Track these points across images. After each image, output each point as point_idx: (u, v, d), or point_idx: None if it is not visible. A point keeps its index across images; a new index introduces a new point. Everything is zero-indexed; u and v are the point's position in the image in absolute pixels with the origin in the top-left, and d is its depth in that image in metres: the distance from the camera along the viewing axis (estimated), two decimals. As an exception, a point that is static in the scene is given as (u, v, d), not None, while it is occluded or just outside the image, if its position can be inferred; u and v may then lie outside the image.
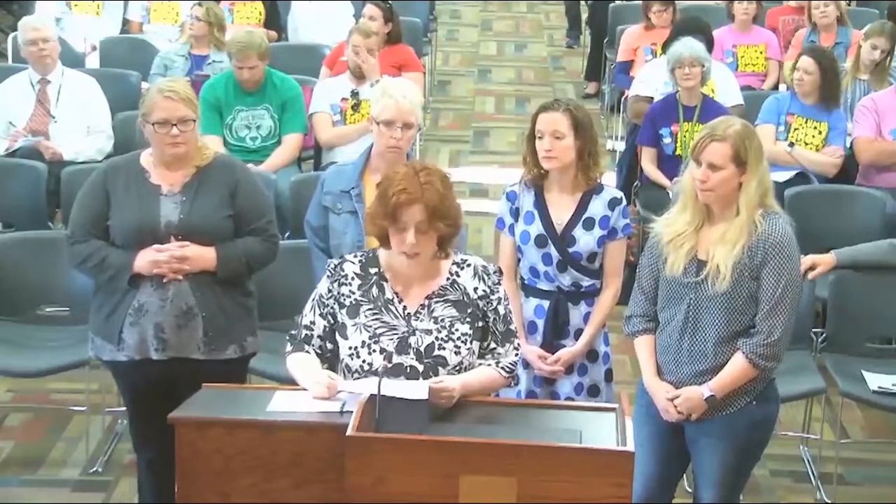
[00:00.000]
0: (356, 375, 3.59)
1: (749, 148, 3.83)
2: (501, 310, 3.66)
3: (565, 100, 4.44)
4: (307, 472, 3.35)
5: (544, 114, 4.32)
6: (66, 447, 5.39)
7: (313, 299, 3.69)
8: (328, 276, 3.67)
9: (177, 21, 8.70)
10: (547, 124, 4.29)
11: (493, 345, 3.66)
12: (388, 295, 3.62)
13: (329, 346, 3.66)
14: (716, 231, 3.88)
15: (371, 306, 3.61)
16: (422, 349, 3.57)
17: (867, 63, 7.17)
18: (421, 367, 3.55)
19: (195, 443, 3.37)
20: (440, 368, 3.56)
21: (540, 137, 4.31)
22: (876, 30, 7.23)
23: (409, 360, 3.56)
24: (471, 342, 3.61)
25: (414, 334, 3.58)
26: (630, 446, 3.19)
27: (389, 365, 3.52)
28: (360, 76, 6.76)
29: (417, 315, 3.60)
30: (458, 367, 3.58)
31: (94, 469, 5.18)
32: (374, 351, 3.57)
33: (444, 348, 3.57)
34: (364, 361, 3.57)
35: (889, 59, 7.21)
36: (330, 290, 3.65)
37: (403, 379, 3.52)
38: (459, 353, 3.58)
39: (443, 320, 3.60)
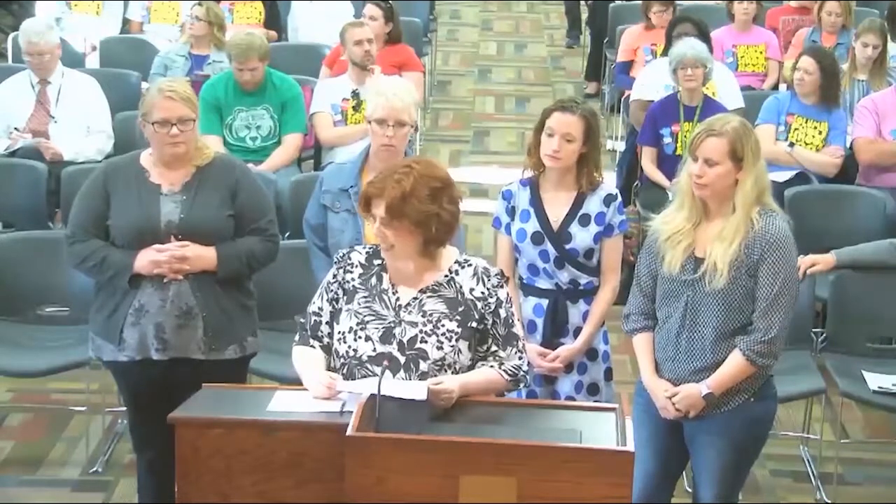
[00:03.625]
0: (342, 361, 3.61)
1: (746, 144, 3.83)
2: (502, 313, 3.65)
3: (583, 104, 4.41)
4: (307, 472, 3.35)
5: (560, 114, 4.31)
6: (66, 447, 5.39)
7: (322, 287, 3.73)
8: (336, 263, 3.72)
9: (177, 21, 8.69)
10: (560, 125, 4.29)
11: (493, 348, 3.66)
12: (385, 285, 3.64)
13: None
14: (713, 228, 3.88)
15: (366, 294, 3.63)
16: (404, 340, 3.57)
17: (863, 62, 7.17)
18: (402, 359, 3.56)
19: (195, 443, 3.37)
20: (421, 361, 3.56)
21: (550, 135, 4.31)
22: (865, 27, 7.24)
23: (391, 350, 3.57)
24: (457, 340, 3.60)
25: (399, 325, 3.59)
26: (630, 446, 3.19)
27: (388, 363, 3.52)
28: (366, 68, 6.75)
29: (408, 307, 3.61)
30: (440, 363, 3.57)
31: (94, 469, 5.18)
32: (360, 338, 3.59)
33: (426, 342, 3.57)
34: (350, 347, 3.59)
35: (884, 55, 7.22)
36: (335, 276, 3.69)
37: (385, 368, 3.52)
38: (442, 348, 3.58)
39: (430, 314, 3.60)
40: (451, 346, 3.59)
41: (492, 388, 3.68)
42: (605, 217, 4.37)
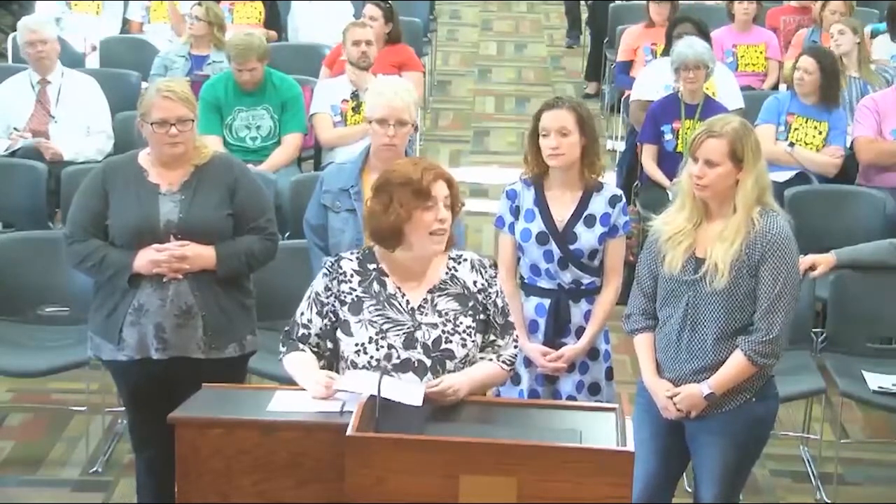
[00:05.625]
0: (365, 371, 3.58)
1: (746, 145, 3.83)
2: (500, 302, 3.69)
3: (567, 97, 4.46)
4: (307, 472, 3.35)
5: (549, 111, 4.32)
6: (66, 447, 5.38)
7: (309, 297, 3.68)
8: (325, 274, 3.66)
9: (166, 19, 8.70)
10: (552, 122, 4.30)
11: (492, 337, 3.68)
12: (391, 290, 3.62)
13: (329, 344, 3.66)
14: (714, 228, 3.88)
15: (374, 302, 3.61)
16: (429, 343, 3.57)
17: (846, 57, 7.19)
18: (429, 362, 3.56)
19: (195, 443, 3.37)
20: (448, 362, 3.56)
21: (545, 135, 4.31)
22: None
23: (416, 354, 3.56)
24: (475, 334, 3.63)
25: (420, 328, 3.58)
26: (630, 446, 3.19)
27: (389, 365, 3.52)
28: (366, 67, 6.74)
29: (421, 309, 3.61)
30: (463, 360, 3.59)
31: (94, 469, 5.18)
32: (382, 347, 3.57)
33: (450, 341, 3.58)
34: (372, 357, 3.56)
35: (862, 46, 7.28)
36: (328, 288, 3.64)
37: (411, 374, 3.53)
38: (466, 345, 3.60)
39: (447, 313, 3.61)
40: (472, 342, 3.62)
41: (494, 382, 3.75)
42: (610, 218, 4.37)
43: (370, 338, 3.58)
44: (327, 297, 3.64)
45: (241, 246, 4.28)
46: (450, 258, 3.69)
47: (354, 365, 3.59)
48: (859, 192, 6.36)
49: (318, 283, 3.68)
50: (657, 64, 7.59)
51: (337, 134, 6.76)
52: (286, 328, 3.72)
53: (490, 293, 3.67)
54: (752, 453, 4.08)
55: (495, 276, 3.71)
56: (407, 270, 3.63)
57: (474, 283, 3.66)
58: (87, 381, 5.20)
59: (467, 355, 3.60)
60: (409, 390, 3.40)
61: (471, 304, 3.64)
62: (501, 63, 11.53)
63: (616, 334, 4.84)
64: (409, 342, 3.57)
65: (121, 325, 4.21)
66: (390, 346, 3.57)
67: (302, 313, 3.69)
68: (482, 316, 3.65)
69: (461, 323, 3.61)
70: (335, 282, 3.64)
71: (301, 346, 3.67)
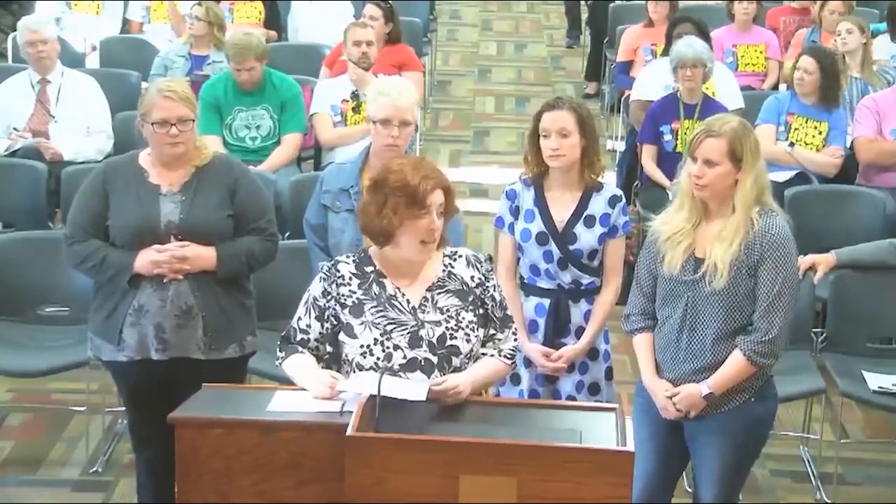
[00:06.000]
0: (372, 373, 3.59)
1: (745, 145, 3.83)
2: (497, 296, 3.70)
3: (567, 98, 4.46)
4: (307, 472, 3.35)
5: (549, 112, 4.32)
6: (66, 447, 5.39)
7: (306, 302, 3.67)
8: (323, 279, 3.65)
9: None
10: (553, 123, 4.30)
11: (492, 331, 3.69)
12: (391, 291, 3.62)
13: (328, 348, 3.65)
14: (713, 228, 3.88)
15: (375, 304, 3.61)
16: (434, 341, 3.57)
17: (850, 57, 7.19)
18: (435, 359, 3.56)
19: (195, 443, 3.37)
20: (453, 358, 3.57)
21: (545, 136, 4.31)
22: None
23: (422, 353, 3.56)
24: (477, 329, 3.64)
25: (423, 327, 3.58)
26: (630, 446, 3.19)
27: (396, 365, 3.53)
28: (366, 68, 6.74)
29: (422, 308, 3.61)
30: (468, 356, 3.60)
31: (94, 469, 5.18)
32: (388, 348, 3.57)
33: (455, 337, 3.59)
34: (378, 359, 3.56)
35: (867, 47, 7.29)
36: (327, 292, 3.64)
37: (419, 373, 3.53)
38: (470, 340, 3.61)
39: (448, 310, 3.61)
40: (476, 337, 3.63)
41: (497, 377, 3.76)
42: (609, 218, 4.38)
43: (375, 339, 3.57)
44: (326, 302, 3.63)
45: (241, 247, 4.28)
46: (444, 255, 3.69)
47: (360, 367, 3.58)
48: (859, 192, 6.36)
49: (316, 288, 3.67)
50: (657, 64, 7.60)
51: (337, 134, 6.76)
52: (283, 334, 3.71)
53: (487, 287, 3.68)
54: (752, 453, 4.08)
55: (491, 271, 3.73)
56: (403, 269, 3.64)
57: (471, 278, 3.68)
58: (87, 381, 5.20)
59: (471, 350, 3.61)
60: (411, 387, 3.40)
61: (470, 298, 3.65)
62: (501, 63, 11.54)
63: (616, 334, 4.84)
64: (415, 341, 3.57)
65: (121, 325, 4.21)
66: (396, 347, 3.57)
67: (300, 318, 3.68)
68: (481, 310, 3.66)
69: (463, 318, 3.62)
70: (334, 285, 3.64)
71: (300, 349, 3.67)
